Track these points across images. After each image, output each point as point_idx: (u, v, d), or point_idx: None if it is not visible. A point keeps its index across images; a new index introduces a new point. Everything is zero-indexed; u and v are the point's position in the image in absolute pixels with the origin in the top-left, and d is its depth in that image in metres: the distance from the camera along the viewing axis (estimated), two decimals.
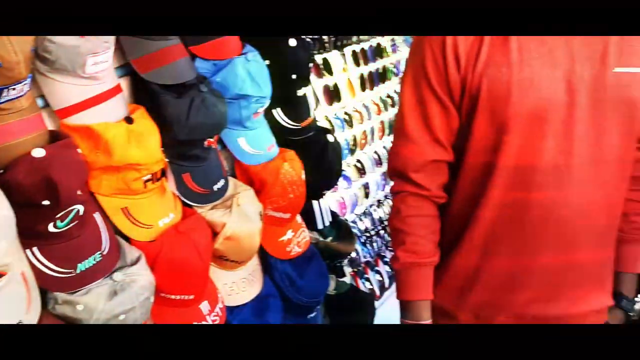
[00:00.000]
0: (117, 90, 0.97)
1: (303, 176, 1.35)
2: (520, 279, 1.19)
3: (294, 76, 1.35)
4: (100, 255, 0.89)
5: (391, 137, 2.16)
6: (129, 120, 0.95)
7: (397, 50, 2.17)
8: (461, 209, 1.19)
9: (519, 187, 1.11)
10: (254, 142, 1.27)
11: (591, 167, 1.10)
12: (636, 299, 1.32)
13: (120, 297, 0.88)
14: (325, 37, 1.71)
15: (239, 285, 1.24)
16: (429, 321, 1.21)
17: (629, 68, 1.07)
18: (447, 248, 1.22)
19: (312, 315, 1.44)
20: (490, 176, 1.12)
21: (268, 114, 1.34)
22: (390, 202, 2.22)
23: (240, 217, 1.15)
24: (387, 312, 2.02)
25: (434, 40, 1.09)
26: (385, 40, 2.07)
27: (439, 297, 1.23)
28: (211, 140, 1.12)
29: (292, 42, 1.31)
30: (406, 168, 1.17)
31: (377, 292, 2.01)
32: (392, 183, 1.26)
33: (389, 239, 2.25)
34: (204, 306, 1.10)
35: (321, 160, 1.43)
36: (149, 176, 0.98)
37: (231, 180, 1.24)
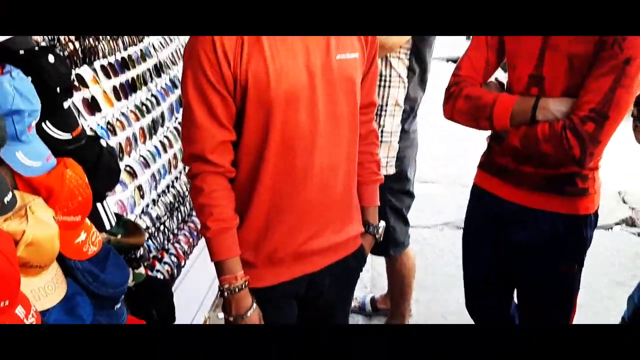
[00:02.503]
0: None
1: (86, 179, 1.45)
2: (298, 225, 1.53)
3: (58, 89, 1.44)
4: None
5: (152, 142, 2.34)
6: None
7: (140, 62, 2.32)
8: (246, 177, 1.49)
9: (286, 153, 1.45)
10: (32, 154, 1.34)
11: (332, 130, 1.50)
12: (379, 224, 1.78)
13: None
14: (74, 56, 1.80)
15: (45, 290, 1.31)
16: (241, 272, 1.50)
17: (345, 54, 1.47)
18: (239, 211, 1.51)
19: (119, 306, 1.55)
20: (264, 148, 1.44)
21: (38, 128, 1.41)
22: (166, 200, 2.38)
23: (37, 223, 1.23)
24: (181, 297, 2.19)
25: (205, 44, 1.37)
26: (127, 53, 2.22)
27: (241, 252, 1.52)
28: None
29: (51, 58, 1.41)
30: (203, 151, 1.44)
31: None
32: (187, 168, 1.50)
33: (169, 234, 2.41)
34: (20, 311, 1.16)
35: (99, 164, 1.54)
36: None
37: (17, 192, 1.29)
